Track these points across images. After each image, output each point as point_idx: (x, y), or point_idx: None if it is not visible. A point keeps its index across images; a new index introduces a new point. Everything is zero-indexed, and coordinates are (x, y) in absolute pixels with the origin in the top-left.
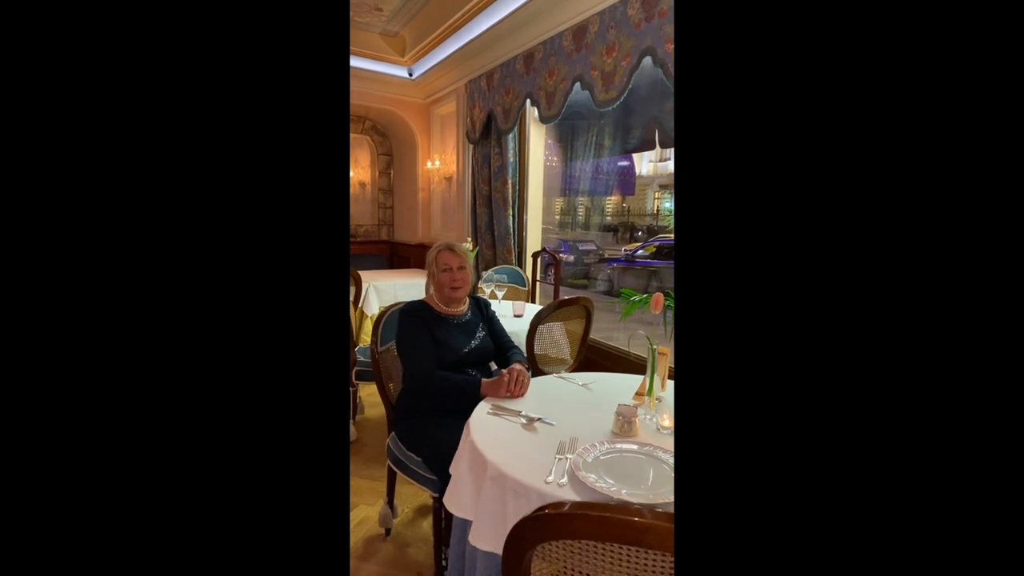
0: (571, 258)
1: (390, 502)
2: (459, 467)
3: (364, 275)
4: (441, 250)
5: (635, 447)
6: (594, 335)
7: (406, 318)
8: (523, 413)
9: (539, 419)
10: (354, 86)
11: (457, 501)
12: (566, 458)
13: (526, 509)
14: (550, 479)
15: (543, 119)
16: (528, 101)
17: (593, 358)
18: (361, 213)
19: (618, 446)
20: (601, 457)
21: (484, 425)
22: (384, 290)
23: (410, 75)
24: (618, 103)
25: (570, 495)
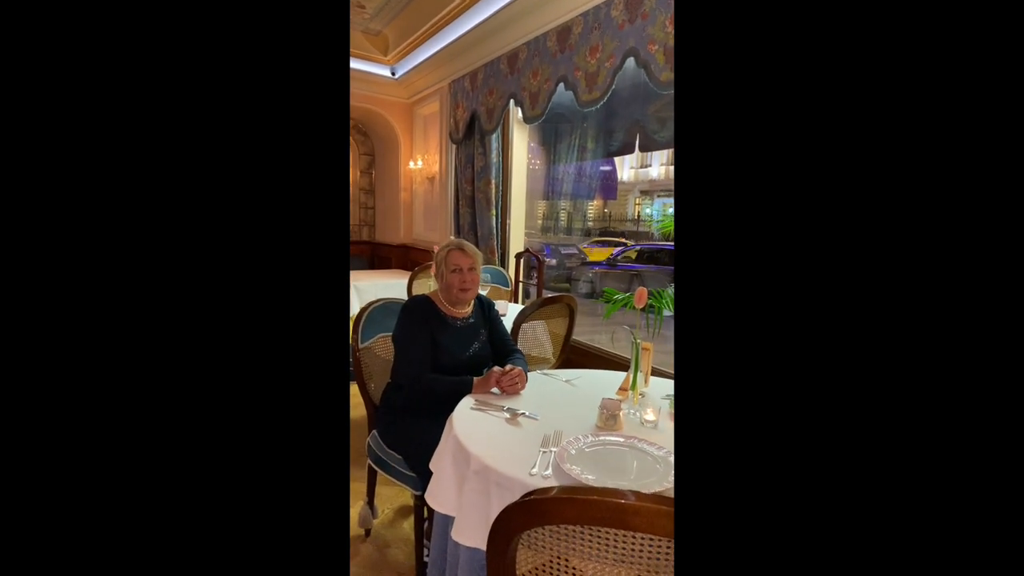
0: (553, 262)
1: (370, 502)
2: (441, 462)
3: None
4: (451, 249)
5: (620, 439)
6: (576, 336)
7: (408, 314)
8: (507, 408)
9: (523, 413)
10: None
11: (439, 497)
12: (550, 451)
13: (510, 502)
14: (534, 471)
15: (527, 119)
16: (512, 101)
17: (575, 358)
18: None
19: (602, 438)
20: (586, 449)
21: (467, 420)
22: (365, 290)
23: (393, 74)
24: (601, 103)
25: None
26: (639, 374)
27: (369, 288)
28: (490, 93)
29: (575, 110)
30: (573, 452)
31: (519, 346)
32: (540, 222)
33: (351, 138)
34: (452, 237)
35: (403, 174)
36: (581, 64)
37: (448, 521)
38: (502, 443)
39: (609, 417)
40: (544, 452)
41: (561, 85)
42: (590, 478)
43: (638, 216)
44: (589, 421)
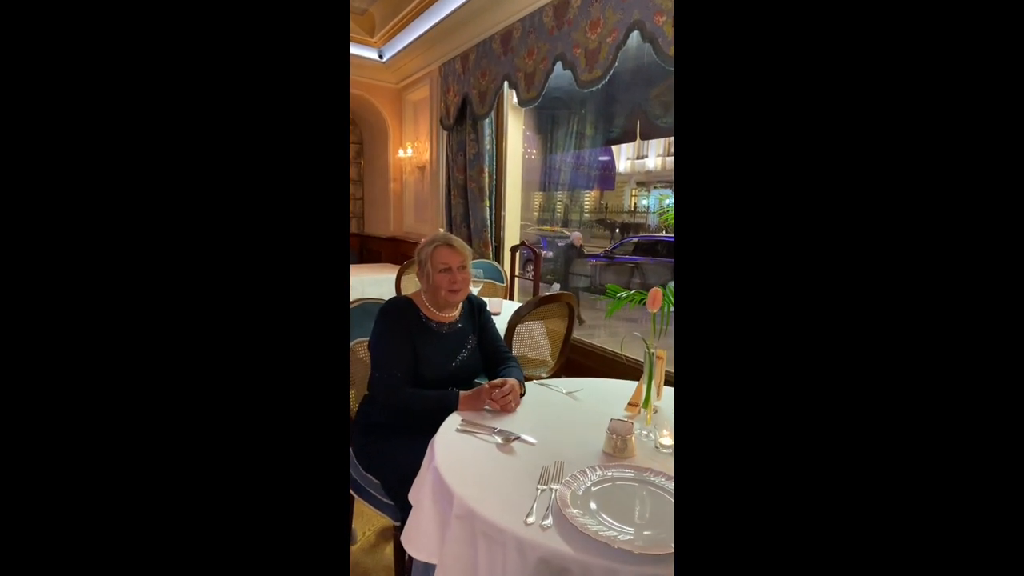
0: (550, 254)
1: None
2: (420, 497)
3: None
4: (438, 245)
5: (631, 473)
6: (576, 333)
7: (386, 319)
8: (498, 430)
9: (517, 437)
10: None
11: (417, 540)
12: (550, 489)
13: (501, 558)
14: (531, 520)
15: (522, 102)
16: (506, 83)
17: (576, 359)
18: None
19: (612, 473)
20: (592, 488)
21: (451, 446)
22: (350, 287)
23: (380, 57)
24: (602, 83)
25: (556, 542)
26: (652, 386)
27: (355, 285)
28: (482, 75)
29: (573, 94)
30: (580, 493)
31: (514, 349)
32: (536, 214)
33: None
34: (441, 230)
35: (392, 163)
36: (580, 40)
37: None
38: (492, 478)
39: (619, 442)
40: (543, 490)
41: (559, 65)
42: (599, 531)
43: (634, 207)
44: (595, 446)
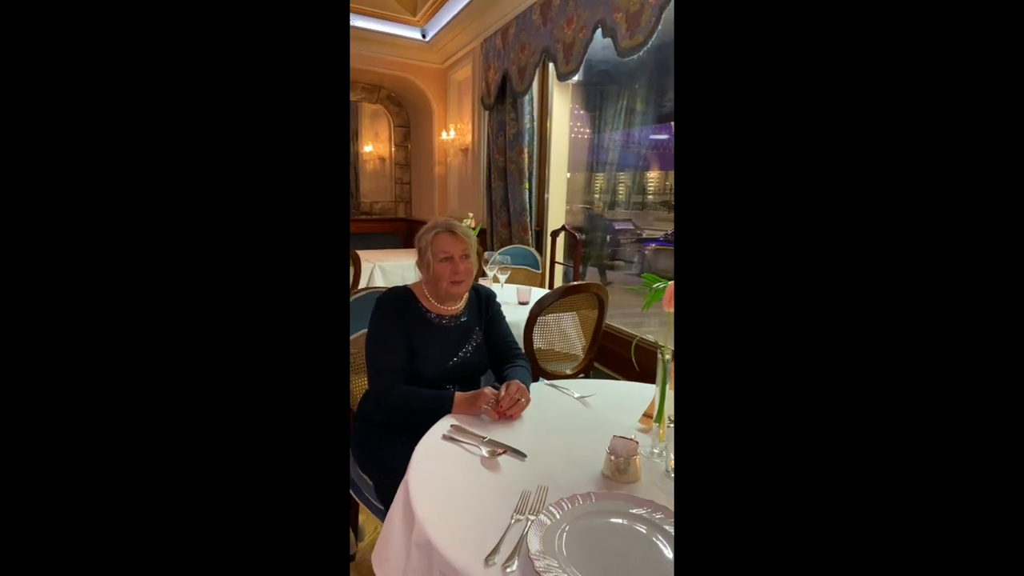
0: (607, 238)
1: (353, 524)
2: (394, 512)
3: (371, 255)
4: (439, 232)
5: (626, 507)
6: (619, 324)
7: (381, 311)
8: (487, 439)
9: (505, 450)
10: (365, 51)
11: (385, 561)
12: (526, 521)
13: None
14: (495, 560)
15: (560, 76)
16: (545, 57)
17: (612, 347)
18: (378, 189)
19: (603, 505)
20: (572, 526)
21: (430, 456)
22: (391, 271)
23: (423, 37)
24: (644, 50)
25: None
26: (669, 396)
27: (395, 270)
28: (522, 49)
29: (620, 66)
30: (557, 530)
31: (537, 342)
32: (597, 195)
33: (385, 109)
34: (471, 213)
35: (437, 146)
36: (621, 3)
37: None
38: (463, 500)
39: (621, 464)
40: (517, 522)
41: (599, 32)
42: None
43: None
44: (594, 465)
